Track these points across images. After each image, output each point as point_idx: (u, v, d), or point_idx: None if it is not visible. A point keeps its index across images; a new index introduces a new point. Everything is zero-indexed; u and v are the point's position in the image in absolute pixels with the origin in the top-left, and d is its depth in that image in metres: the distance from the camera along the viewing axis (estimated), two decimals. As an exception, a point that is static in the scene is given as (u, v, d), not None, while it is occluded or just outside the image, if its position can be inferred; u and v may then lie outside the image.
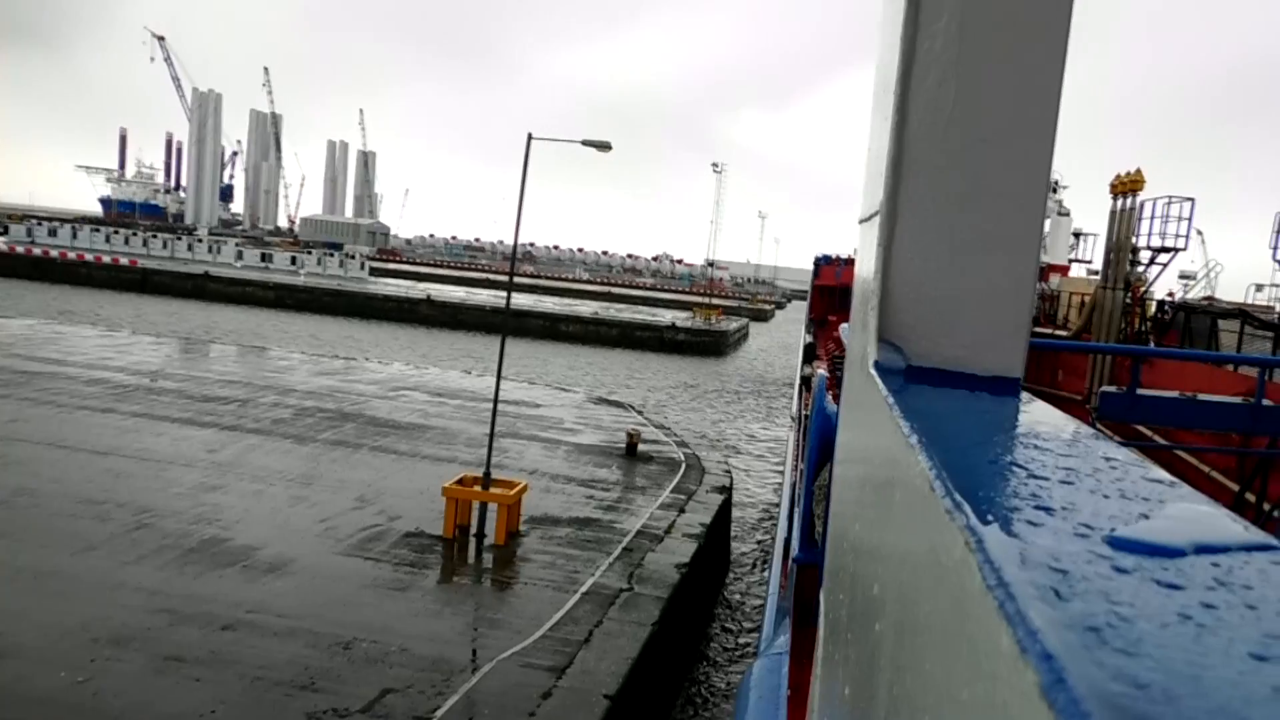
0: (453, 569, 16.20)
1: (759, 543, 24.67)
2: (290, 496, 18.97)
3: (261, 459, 21.51)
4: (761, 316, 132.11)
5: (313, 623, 13.31)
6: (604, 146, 18.27)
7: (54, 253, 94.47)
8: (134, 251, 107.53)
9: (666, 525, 19.61)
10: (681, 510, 20.84)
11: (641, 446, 26.25)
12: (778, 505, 23.57)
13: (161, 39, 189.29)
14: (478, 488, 17.84)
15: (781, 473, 28.02)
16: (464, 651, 13.01)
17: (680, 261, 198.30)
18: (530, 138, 17.68)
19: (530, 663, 12.78)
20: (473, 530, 17.70)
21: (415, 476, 21.25)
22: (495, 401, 18.42)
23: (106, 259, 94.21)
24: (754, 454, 36.81)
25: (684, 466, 25.04)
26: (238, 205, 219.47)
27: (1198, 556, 0.71)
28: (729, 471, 25.58)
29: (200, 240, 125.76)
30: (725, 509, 22.53)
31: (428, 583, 15.28)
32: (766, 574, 20.46)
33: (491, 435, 18.19)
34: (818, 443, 5.58)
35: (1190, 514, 0.85)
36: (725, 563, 22.27)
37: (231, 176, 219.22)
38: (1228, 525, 0.79)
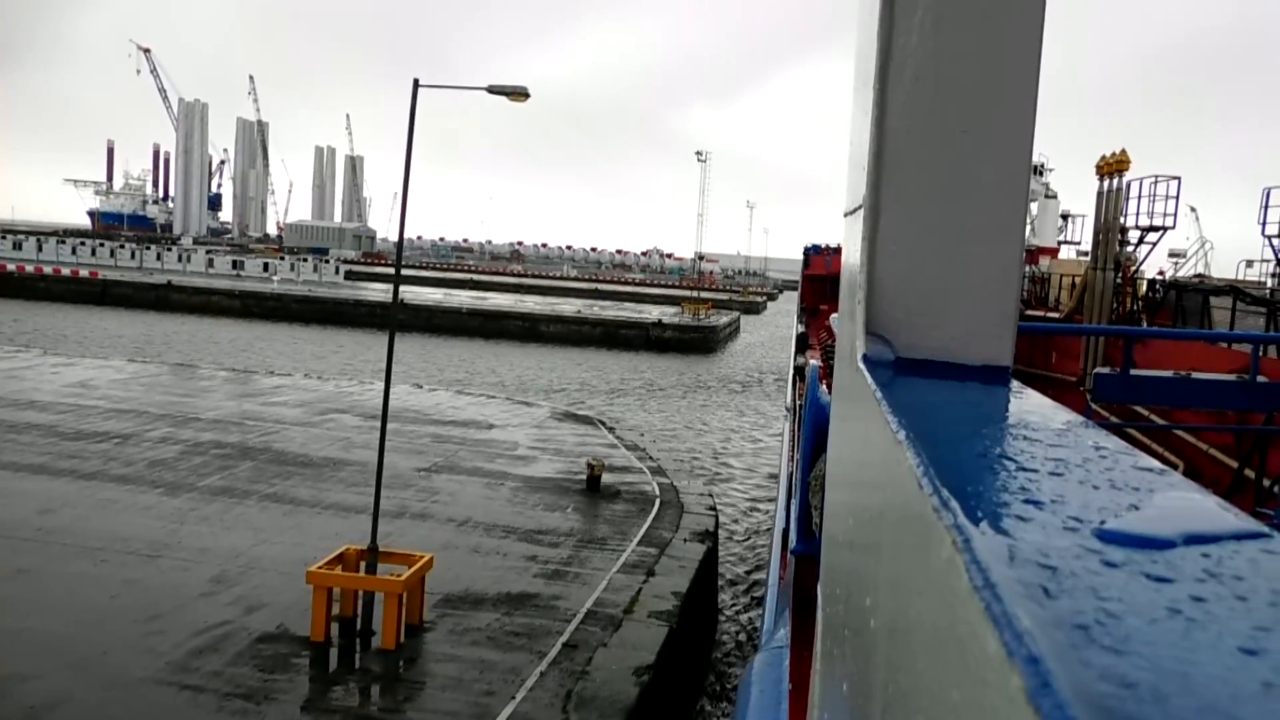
0: (312, 697, 11.34)
1: (748, 607, 19.85)
2: (120, 581, 14.12)
3: (107, 522, 16.65)
4: (753, 309, 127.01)
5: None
6: (518, 93, 13.54)
7: (10, 267, 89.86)
8: (99, 263, 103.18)
9: (629, 599, 14.80)
10: (650, 573, 16.02)
11: (607, 477, 21.43)
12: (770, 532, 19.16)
13: (147, 51, 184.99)
14: (364, 565, 13.04)
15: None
16: None
17: (670, 256, 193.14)
18: (416, 84, 12.87)
19: None
20: (358, 625, 12.90)
21: (306, 538, 16.41)
22: (382, 444, 13.55)
23: (66, 271, 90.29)
24: (745, 472, 32.01)
25: (658, 503, 20.22)
26: (226, 214, 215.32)
27: (1187, 547, 0.71)
28: (714, 508, 20.73)
29: (170, 249, 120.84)
30: (709, 564, 17.71)
31: (263, 729, 10.44)
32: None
33: (378, 490, 13.34)
34: (812, 433, 5.50)
35: (1180, 503, 0.84)
36: (709, 642, 17.38)
37: (219, 185, 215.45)
38: (1218, 514, 0.79)
